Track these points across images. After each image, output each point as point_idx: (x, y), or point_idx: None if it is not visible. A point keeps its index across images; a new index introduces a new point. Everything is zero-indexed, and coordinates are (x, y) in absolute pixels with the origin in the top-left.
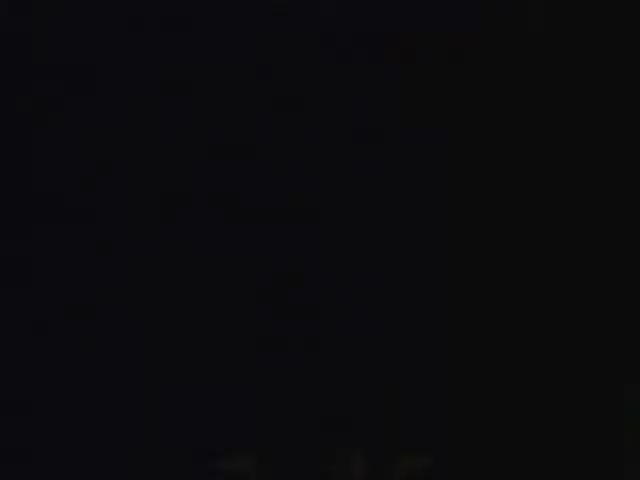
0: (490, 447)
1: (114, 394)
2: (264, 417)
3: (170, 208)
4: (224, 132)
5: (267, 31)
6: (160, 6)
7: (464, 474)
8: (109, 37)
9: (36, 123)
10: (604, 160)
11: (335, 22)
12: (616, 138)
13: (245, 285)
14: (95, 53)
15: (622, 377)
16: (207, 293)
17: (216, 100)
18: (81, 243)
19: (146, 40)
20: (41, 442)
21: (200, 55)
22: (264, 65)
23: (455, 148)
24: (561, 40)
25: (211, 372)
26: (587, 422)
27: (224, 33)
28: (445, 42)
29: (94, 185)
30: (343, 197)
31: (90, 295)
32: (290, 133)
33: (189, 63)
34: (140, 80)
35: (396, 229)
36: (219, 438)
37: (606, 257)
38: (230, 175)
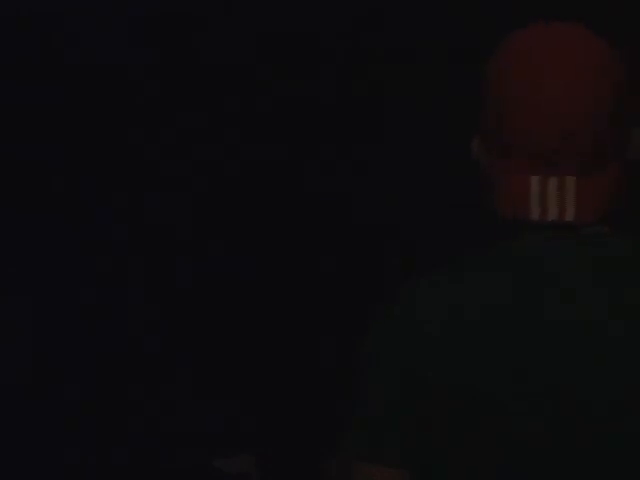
0: None
1: (112, 395)
2: (264, 417)
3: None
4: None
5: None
6: (162, 6)
7: None
8: (109, 37)
9: (36, 124)
10: None
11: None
12: None
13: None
14: (95, 53)
15: None
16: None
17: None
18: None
19: (147, 40)
20: None
21: (201, 55)
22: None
23: None
24: None
25: (210, 372)
26: None
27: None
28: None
29: (93, 212)
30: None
31: None
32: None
33: (190, 63)
34: (141, 80)
35: None
36: (219, 438)
37: None
38: None
